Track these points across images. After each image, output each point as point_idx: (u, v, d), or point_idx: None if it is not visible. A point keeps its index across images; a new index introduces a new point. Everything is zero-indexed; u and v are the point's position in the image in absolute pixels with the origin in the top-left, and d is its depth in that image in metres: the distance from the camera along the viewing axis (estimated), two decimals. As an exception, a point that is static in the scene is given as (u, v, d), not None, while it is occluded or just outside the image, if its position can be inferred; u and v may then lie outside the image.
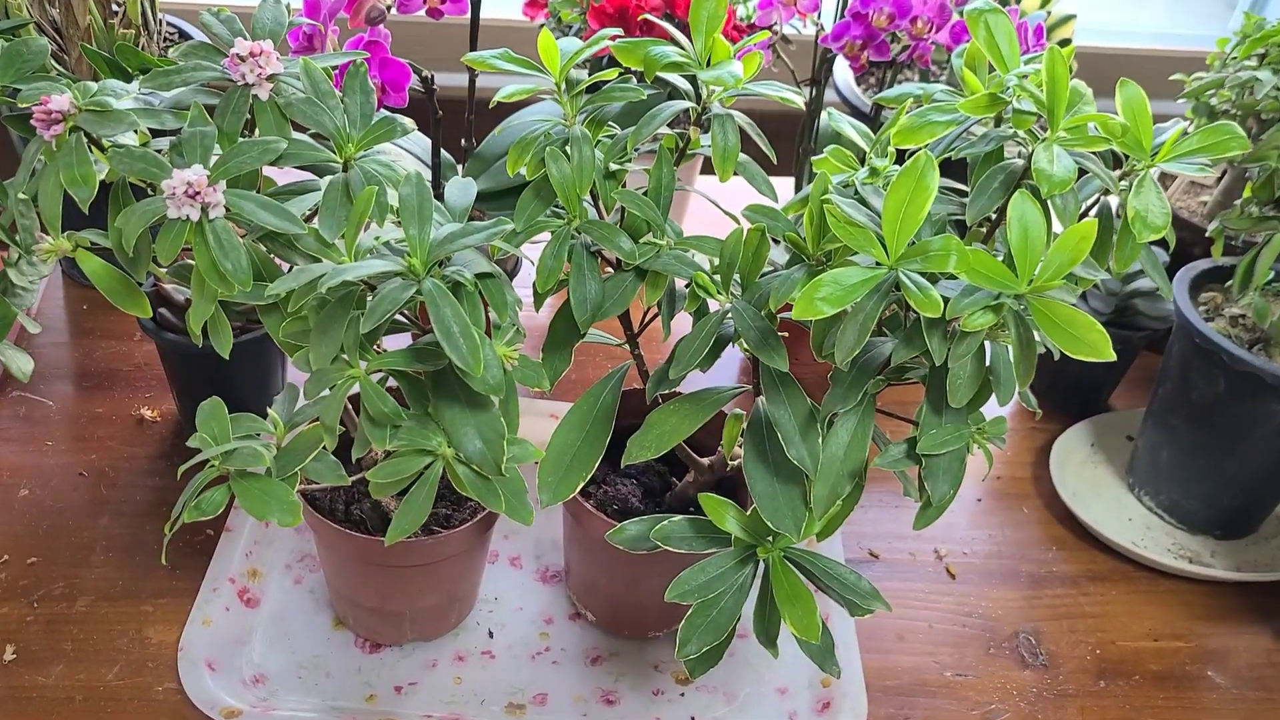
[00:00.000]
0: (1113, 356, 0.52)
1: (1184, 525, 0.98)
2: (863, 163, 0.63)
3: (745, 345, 0.63)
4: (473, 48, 0.94)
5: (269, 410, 0.66)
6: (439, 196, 0.97)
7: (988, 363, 0.59)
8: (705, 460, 0.79)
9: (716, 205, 0.70)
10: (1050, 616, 0.90)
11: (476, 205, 0.99)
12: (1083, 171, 0.57)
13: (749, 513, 0.66)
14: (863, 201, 0.58)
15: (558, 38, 1.12)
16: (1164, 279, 0.67)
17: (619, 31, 0.62)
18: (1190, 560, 0.95)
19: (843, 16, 0.93)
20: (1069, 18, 1.05)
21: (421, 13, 0.85)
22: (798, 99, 0.62)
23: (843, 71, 1.13)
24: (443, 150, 0.93)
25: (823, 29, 0.89)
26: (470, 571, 0.80)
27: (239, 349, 0.77)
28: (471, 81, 0.96)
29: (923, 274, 0.54)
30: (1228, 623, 0.91)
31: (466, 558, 0.77)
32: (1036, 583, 0.93)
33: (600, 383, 0.72)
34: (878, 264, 0.55)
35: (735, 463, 0.72)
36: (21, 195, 0.62)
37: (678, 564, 0.67)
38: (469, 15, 0.86)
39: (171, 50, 0.62)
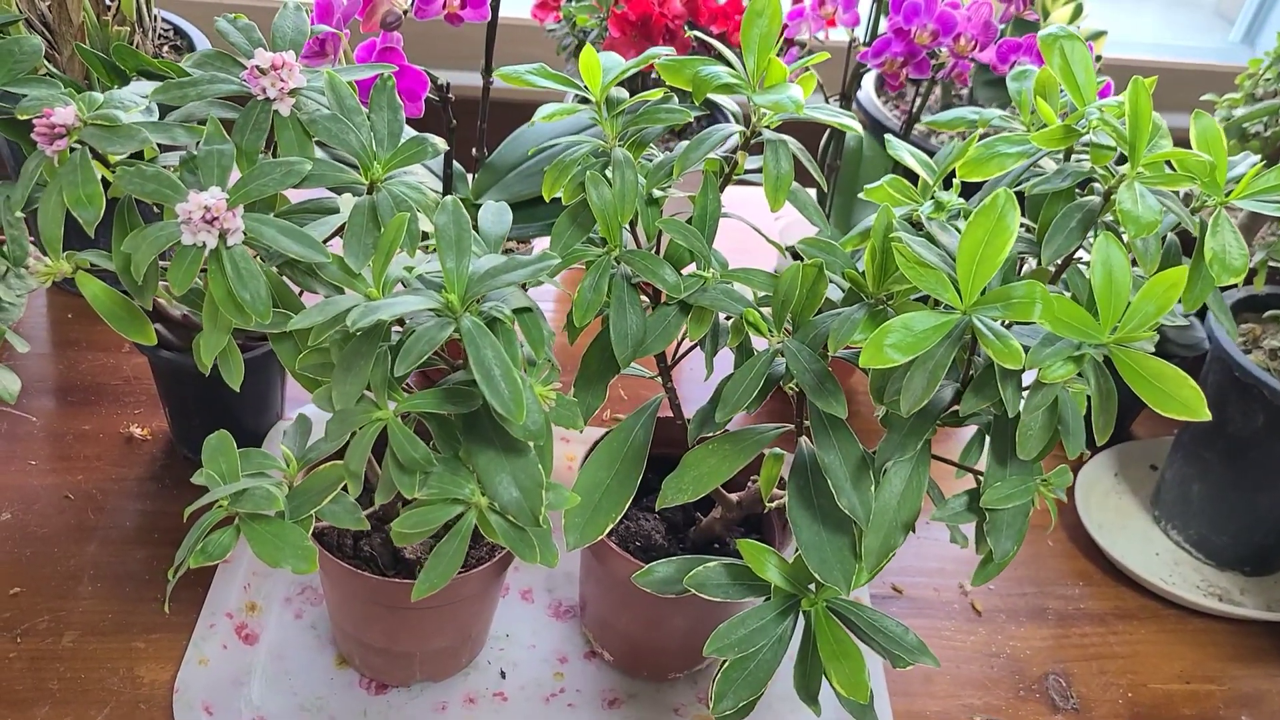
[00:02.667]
0: (1208, 416, 0.48)
1: (1212, 561, 0.95)
2: (922, 192, 0.60)
3: (793, 387, 0.59)
4: (489, 51, 0.89)
5: (281, 448, 0.62)
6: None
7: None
8: (734, 496, 0.75)
9: (761, 234, 0.66)
10: (1080, 657, 0.87)
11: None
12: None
13: (791, 561, 0.63)
14: (930, 239, 0.54)
15: (567, 43, 1.08)
16: (1229, 317, 0.63)
17: (670, 51, 0.58)
18: (1220, 598, 0.92)
19: (873, 31, 0.89)
20: (1100, 34, 1.02)
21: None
22: (855, 124, 0.58)
23: (865, 84, 1.10)
24: (454, 161, 0.89)
25: (858, 42, 0.85)
26: (485, 611, 0.76)
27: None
28: (485, 88, 0.92)
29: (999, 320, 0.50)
30: (1261, 664, 0.89)
31: (482, 598, 0.73)
32: (1064, 620, 0.90)
33: (631, 418, 0.68)
34: (948, 307, 0.51)
35: (774, 504, 0.68)
36: (18, 214, 0.57)
37: (703, 604, 0.63)
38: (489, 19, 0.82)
39: (185, 60, 0.57)
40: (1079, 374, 0.51)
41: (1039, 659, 0.86)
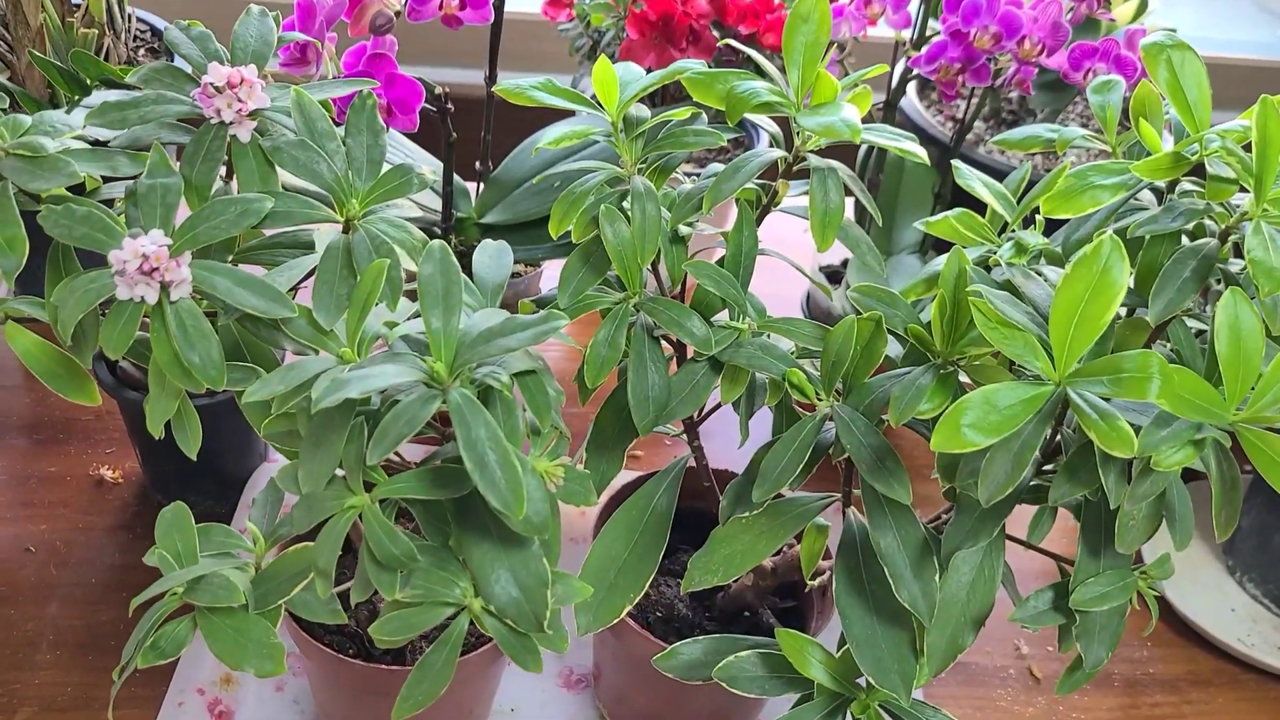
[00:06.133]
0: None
1: (1295, 618, 0.86)
2: (995, 228, 0.51)
3: (838, 457, 0.50)
4: (493, 57, 0.81)
5: (248, 524, 0.53)
6: (451, 230, 0.84)
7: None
8: (768, 562, 0.66)
9: (800, 270, 0.57)
10: (1151, 731, 0.78)
11: (489, 237, 0.87)
12: None
13: (839, 655, 0.54)
14: (1013, 290, 0.45)
15: (581, 44, 0.99)
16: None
17: (702, 64, 0.49)
18: (1305, 662, 0.83)
19: (920, 32, 0.80)
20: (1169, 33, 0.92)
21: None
22: (921, 151, 0.49)
23: (908, 89, 1.00)
24: (455, 176, 0.80)
25: (906, 45, 0.76)
26: (487, 690, 0.67)
27: (212, 410, 0.64)
28: (489, 96, 0.83)
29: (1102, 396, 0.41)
30: (1354, 740, 0.79)
31: (481, 679, 0.65)
32: (1133, 688, 0.81)
33: (652, 483, 0.59)
34: (1038, 377, 0.42)
35: (815, 582, 0.59)
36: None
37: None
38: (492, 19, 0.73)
39: (131, 74, 0.48)
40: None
41: (1105, 734, 0.77)
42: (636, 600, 0.57)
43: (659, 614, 0.68)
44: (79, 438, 0.87)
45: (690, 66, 0.49)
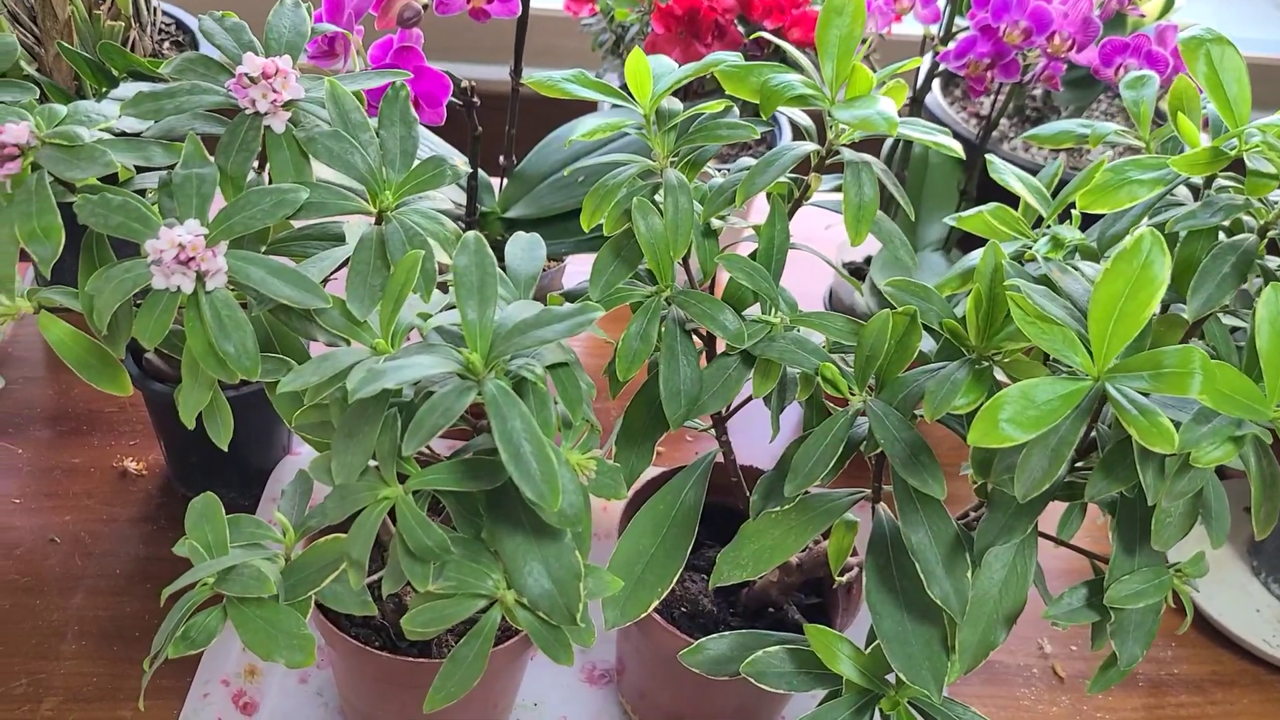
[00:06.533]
0: None
1: (1320, 620, 0.85)
2: (1032, 223, 0.50)
3: (870, 452, 0.50)
4: (519, 51, 0.81)
5: (277, 515, 0.53)
6: (475, 225, 0.84)
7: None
8: (794, 558, 0.66)
9: (830, 264, 0.57)
10: (1175, 731, 0.78)
11: (512, 232, 0.87)
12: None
13: (868, 651, 0.54)
14: (1050, 284, 0.45)
15: (604, 39, 0.99)
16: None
17: (736, 56, 0.49)
18: (1331, 663, 0.82)
19: (947, 28, 0.80)
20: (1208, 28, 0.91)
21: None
22: (957, 146, 0.49)
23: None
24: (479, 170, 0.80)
25: (934, 40, 0.76)
26: (512, 684, 0.67)
27: (236, 402, 0.64)
28: (514, 90, 0.83)
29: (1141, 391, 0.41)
30: (1381, 743, 0.79)
31: (508, 672, 0.65)
32: (1157, 688, 0.80)
33: (680, 477, 0.59)
34: (1075, 372, 0.42)
35: (843, 579, 0.59)
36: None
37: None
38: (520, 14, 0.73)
39: (164, 65, 0.48)
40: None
41: (1129, 733, 0.77)
42: (664, 595, 0.57)
43: (683, 609, 0.68)
44: (102, 429, 0.87)
45: (725, 59, 0.48)
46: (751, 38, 0.83)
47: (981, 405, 0.46)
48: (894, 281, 0.48)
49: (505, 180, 0.85)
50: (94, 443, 0.86)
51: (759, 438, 0.57)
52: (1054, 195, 0.51)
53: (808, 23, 0.82)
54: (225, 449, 0.52)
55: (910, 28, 0.92)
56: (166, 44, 0.90)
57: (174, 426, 0.81)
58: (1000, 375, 0.47)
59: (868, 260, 0.96)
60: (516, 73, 0.80)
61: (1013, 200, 0.54)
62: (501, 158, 0.85)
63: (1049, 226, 0.49)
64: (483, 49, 1.19)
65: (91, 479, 0.83)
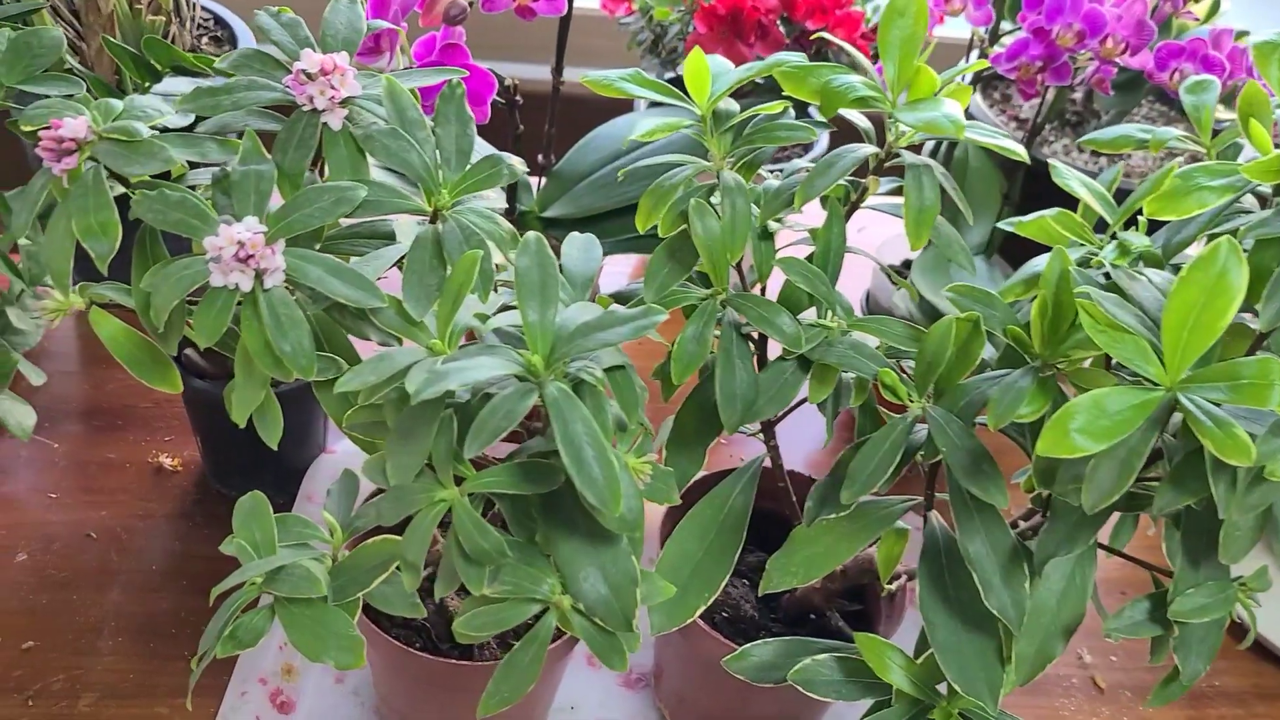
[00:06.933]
0: None
1: (1364, 633, 0.84)
2: (1095, 229, 0.50)
3: (928, 459, 0.49)
4: (560, 49, 0.80)
5: (325, 514, 0.53)
6: (513, 224, 0.84)
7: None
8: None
9: (883, 268, 0.57)
10: (1217, 744, 0.77)
11: (550, 232, 0.86)
12: None
13: (920, 661, 0.53)
14: (1119, 292, 0.44)
15: (643, 39, 0.98)
16: None
17: (800, 57, 0.48)
18: (1375, 678, 0.81)
19: (994, 30, 0.79)
20: (1242, 34, 0.90)
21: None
22: (1020, 149, 0.48)
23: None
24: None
25: (983, 43, 0.75)
26: (550, 687, 0.67)
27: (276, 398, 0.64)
28: (555, 88, 0.82)
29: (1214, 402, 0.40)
30: None
31: (548, 674, 0.64)
32: (1198, 700, 0.79)
33: (728, 481, 0.59)
34: (1146, 381, 0.41)
35: (892, 586, 0.58)
36: (24, 242, 0.49)
37: (800, 691, 0.54)
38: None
39: (221, 60, 0.48)
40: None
41: (1171, 746, 0.76)
42: (711, 601, 0.56)
43: (725, 614, 0.67)
44: (137, 425, 0.87)
45: (788, 59, 0.48)
46: (794, 38, 0.82)
47: (1045, 414, 0.45)
48: (957, 287, 0.47)
49: (543, 180, 0.85)
50: (129, 438, 0.86)
51: (796, 443, 0.57)
52: (1121, 202, 0.50)
53: (851, 23, 0.81)
54: (274, 447, 0.52)
55: (952, 31, 0.92)
56: (205, 39, 0.90)
57: (211, 423, 0.80)
58: (1064, 384, 0.46)
59: (906, 264, 0.95)
60: (558, 71, 0.80)
61: (1054, 203, 0.54)
62: (540, 157, 0.85)
63: (1114, 233, 0.48)
64: (515, 47, 1.18)
65: (127, 474, 0.83)
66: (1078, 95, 1.00)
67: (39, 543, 0.77)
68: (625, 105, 0.98)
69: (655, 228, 0.49)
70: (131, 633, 0.73)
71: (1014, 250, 0.89)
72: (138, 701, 0.69)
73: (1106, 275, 0.47)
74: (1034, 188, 0.86)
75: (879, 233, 0.97)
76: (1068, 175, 0.50)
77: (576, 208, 0.83)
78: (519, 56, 1.17)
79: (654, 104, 1.00)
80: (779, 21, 0.82)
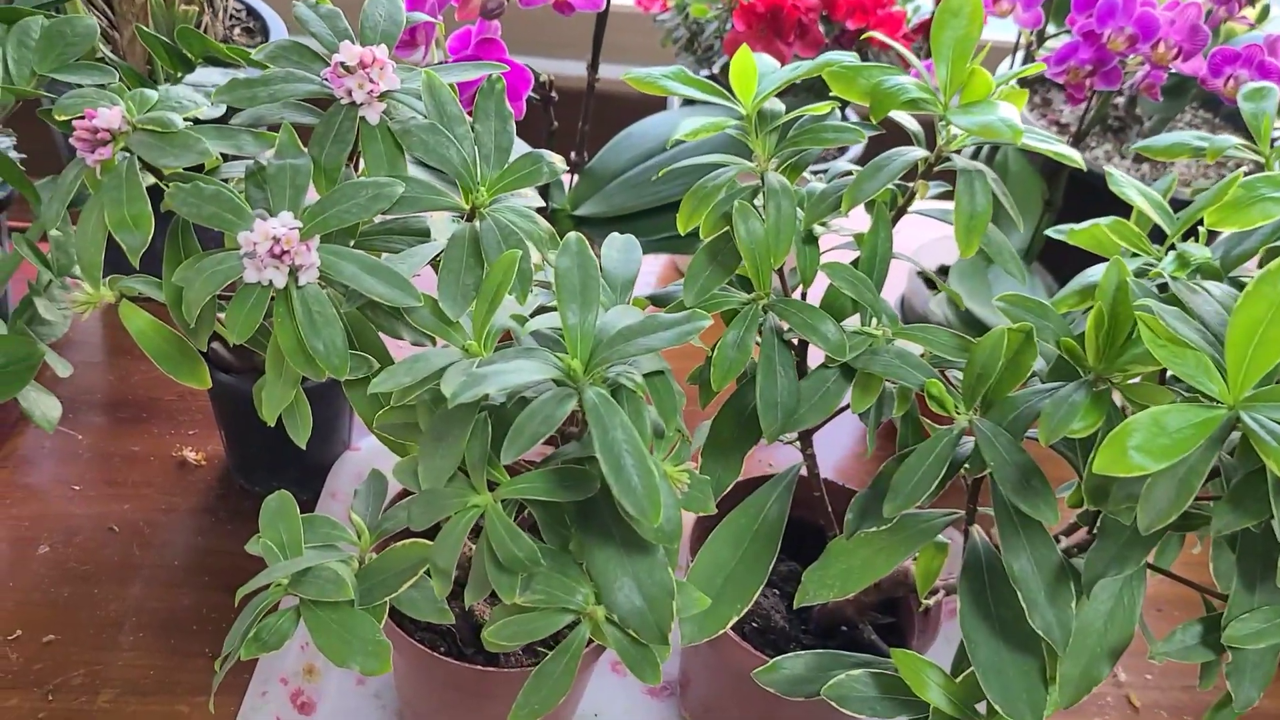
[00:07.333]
0: None
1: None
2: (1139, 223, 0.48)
3: (974, 473, 0.48)
4: (597, 45, 0.79)
5: (352, 515, 0.52)
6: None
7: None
8: (872, 577, 0.64)
9: (928, 274, 0.55)
10: (1255, 768, 0.75)
11: (581, 230, 0.85)
12: None
13: (959, 680, 0.52)
14: (1179, 305, 0.42)
15: (678, 36, 0.97)
16: None
17: (852, 57, 0.47)
18: None
19: (1040, 33, 0.77)
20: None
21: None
22: (1077, 156, 0.46)
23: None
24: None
25: (1032, 46, 0.74)
26: (575, 694, 0.66)
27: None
28: (590, 84, 0.81)
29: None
30: None
31: (574, 682, 0.63)
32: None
33: (764, 490, 0.57)
34: (1207, 399, 0.40)
35: (930, 601, 0.57)
36: (55, 233, 0.48)
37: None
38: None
39: (258, 51, 0.47)
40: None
41: (1207, 768, 0.74)
42: (744, 611, 0.55)
43: (754, 624, 0.66)
44: (161, 418, 0.86)
45: (840, 59, 0.46)
46: (833, 37, 0.81)
47: (1099, 430, 0.44)
48: (1009, 296, 0.46)
49: (575, 177, 0.84)
50: (153, 431, 0.85)
51: (819, 447, 0.55)
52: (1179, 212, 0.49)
53: (893, 23, 0.79)
54: (303, 446, 0.51)
55: (995, 34, 0.90)
56: (237, 29, 0.89)
57: (235, 417, 0.80)
58: (1118, 398, 0.45)
59: (941, 269, 0.93)
60: (594, 67, 0.79)
61: (1097, 211, 0.52)
62: (573, 154, 0.84)
63: (1171, 244, 0.47)
64: (541, 41, 1.17)
65: (150, 468, 0.82)
66: (1120, 100, 0.98)
67: (61, 535, 0.77)
68: (658, 103, 0.96)
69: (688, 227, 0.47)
70: (153, 628, 0.72)
71: (1054, 257, 0.87)
72: (158, 698, 0.68)
73: (1161, 288, 0.45)
74: (1077, 193, 0.84)
75: (915, 236, 0.96)
76: (1124, 183, 0.49)
77: (609, 206, 0.82)
78: (549, 52, 1.16)
79: (687, 102, 0.98)
80: (819, 20, 0.81)
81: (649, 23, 0.99)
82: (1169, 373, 0.44)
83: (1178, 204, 0.49)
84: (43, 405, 0.66)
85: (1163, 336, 0.40)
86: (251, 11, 0.90)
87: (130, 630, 0.72)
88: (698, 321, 0.40)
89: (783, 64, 0.51)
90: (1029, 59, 0.77)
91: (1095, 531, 0.47)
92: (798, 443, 0.57)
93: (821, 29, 0.82)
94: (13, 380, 0.57)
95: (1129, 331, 0.44)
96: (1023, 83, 0.99)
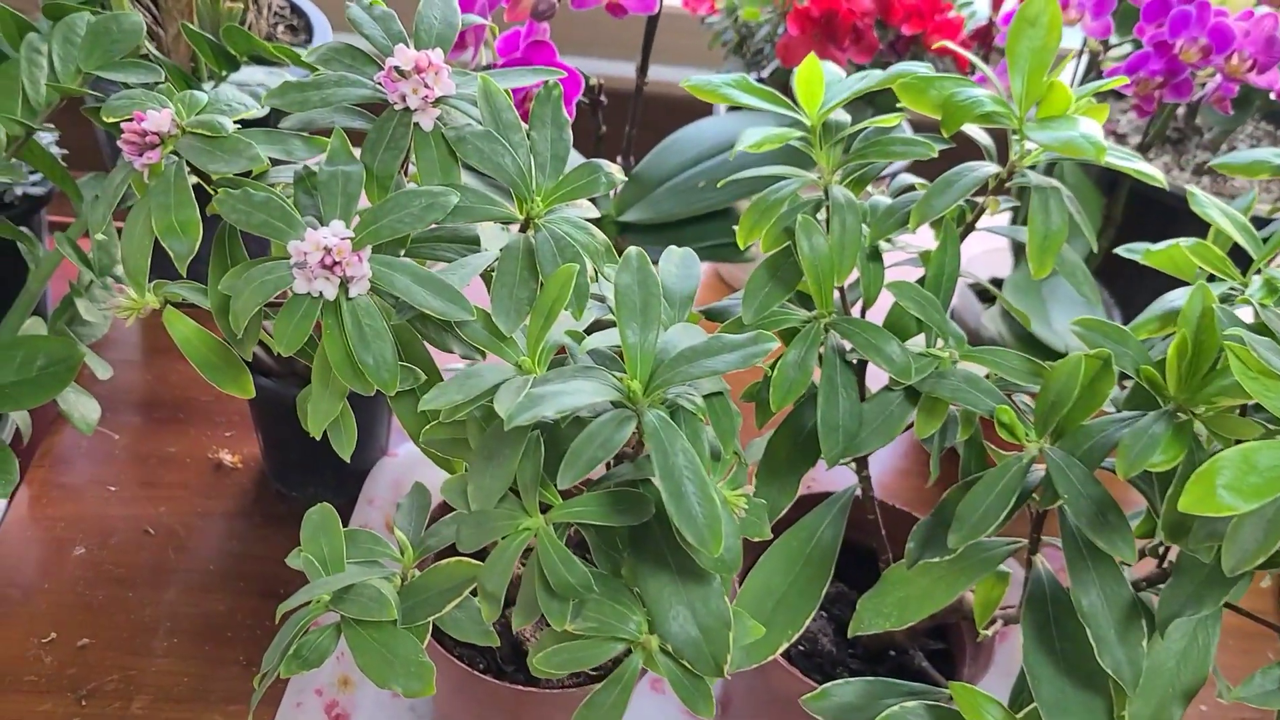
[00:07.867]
0: None
1: None
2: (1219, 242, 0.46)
3: (1046, 505, 0.46)
4: (647, 49, 0.77)
5: (396, 532, 0.51)
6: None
7: None
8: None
9: (990, 289, 0.53)
10: (1314, 806, 0.72)
11: (626, 236, 0.83)
12: None
13: (1019, 716, 0.50)
14: (1271, 335, 0.40)
15: (728, 39, 0.95)
16: None
17: (926, 67, 0.45)
18: None
19: (1105, 42, 0.75)
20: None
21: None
22: (1159, 175, 0.44)
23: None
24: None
25: (1101, 56, 0.71)
26: (616, 715, 0.64)
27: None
28: (638, 88, 0.80)
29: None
30: None
31: (616, 704, 0.62)
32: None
33: (817, 513, 0.55)
34: (1302, 436, 0.38)
35: (988, 631, 0.55)
36: (100, 236, 0.47)
37: None
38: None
39: (309, 53, 0.46)
40: None
41: (1264, 805, 0.72)
42: (795, 638, 0.53)
43: (801, 647, 0.64)
44: (198, 419, 0.85)
45: (913, 70, 0.45)
46: (889, 43, 0.79)
47: (1180, 464, 0.42)
48: (1085, 321, 0.44)
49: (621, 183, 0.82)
50: (190, 432, 0.84)
51: (885, 463, 0.53)
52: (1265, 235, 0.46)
53: (950, 29, 0.77)
54: (346, 459, 0.50)
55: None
56: (281, 27, 0.88)
57: (273, 421, 0.79)
58: (1200, 430, 0.43)
59: (993, 281, 0.91)
60: (642, 70, 0.77)
61: (1160, 229, 0.50)
62: (619, 158, 0.82)
63: (1258, 268, 0.45)
64: (585, 42, 1.16)
65: (186, 469, 0.81)
66: (1180, 112, 0.96)
67: (97, 537, 0.76)
68: (705, 107, 0.95)
69: (733, 236, 0.46)
70: (187, 634, 0.71)
71: (1109, 272, 0.85)
72: (191, 706, 0.67)
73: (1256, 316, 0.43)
74: (1137, 208, 0.82)
75: (965, 249, 0.94)
76: (1206, 203, 0.46)
77: (655, 213, 0.80)
78: (591, 51, 1.14)
79: (733, 106, 0.96)
80: (874, 25, 0.79)
81: (695, 24, 0.97)
82: (1250, 402, 0.41)
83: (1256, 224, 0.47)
84: (82, 407, 0.66)
85: (1254, 369, 0.38)
86: (295, 9, 0.89)
87: (164, 635, 0.71)
88: (764, 344, 0.38)
89: (856, 74, 0.49)
90: (1092, 67, 0.75)
91: (1167, 566, 0.45)
92: (852, 464, 0.55)
93: (876, 34, 0.80)
94: (53, 382, 0.56)
95: (1214, 361, 0.41)
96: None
